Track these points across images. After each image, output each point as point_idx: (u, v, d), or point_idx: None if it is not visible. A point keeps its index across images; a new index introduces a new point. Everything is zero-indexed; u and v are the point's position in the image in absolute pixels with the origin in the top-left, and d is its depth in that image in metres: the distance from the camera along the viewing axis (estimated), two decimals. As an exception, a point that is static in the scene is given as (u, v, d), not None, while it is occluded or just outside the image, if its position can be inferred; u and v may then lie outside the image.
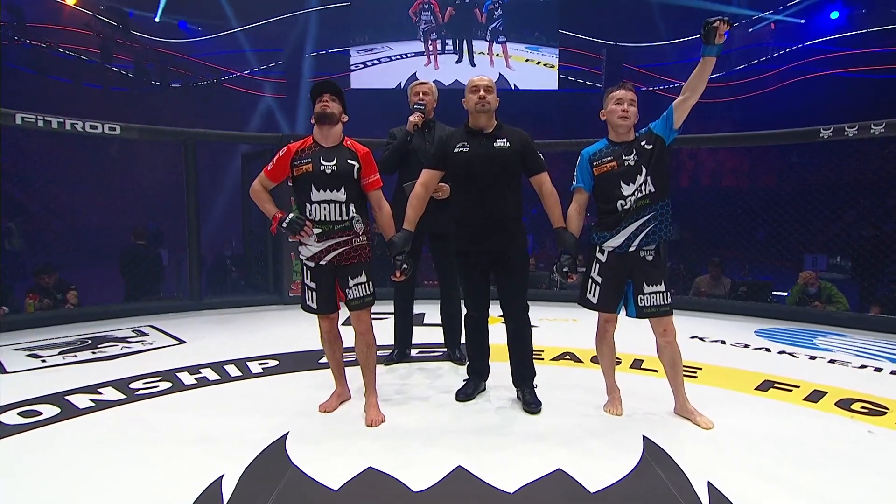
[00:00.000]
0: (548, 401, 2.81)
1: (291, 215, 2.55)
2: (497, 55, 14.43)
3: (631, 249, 2.53)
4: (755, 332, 4.33)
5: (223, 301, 5.42)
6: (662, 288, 2.56)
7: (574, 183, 2.65)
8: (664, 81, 14.60)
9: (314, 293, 2.62)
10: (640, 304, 2.57)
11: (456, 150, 2.68)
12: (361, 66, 14.78)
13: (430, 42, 14.50)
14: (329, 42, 15.17)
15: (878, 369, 3.39)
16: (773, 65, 14.33)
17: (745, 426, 2.52)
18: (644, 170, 2.49)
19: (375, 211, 2.66)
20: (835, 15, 13.82)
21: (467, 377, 2.95)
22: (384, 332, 4.17)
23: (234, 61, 15.13)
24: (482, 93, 2.65)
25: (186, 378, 3.14)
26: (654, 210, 2.51)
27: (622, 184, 2.50)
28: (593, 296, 2.64)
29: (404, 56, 14.73)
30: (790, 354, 3.70)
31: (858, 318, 4.63)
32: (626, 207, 2.49)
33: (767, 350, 3.80)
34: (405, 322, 3.63)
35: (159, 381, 3.08)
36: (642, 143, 2.52)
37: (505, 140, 2.67)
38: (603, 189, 2.56)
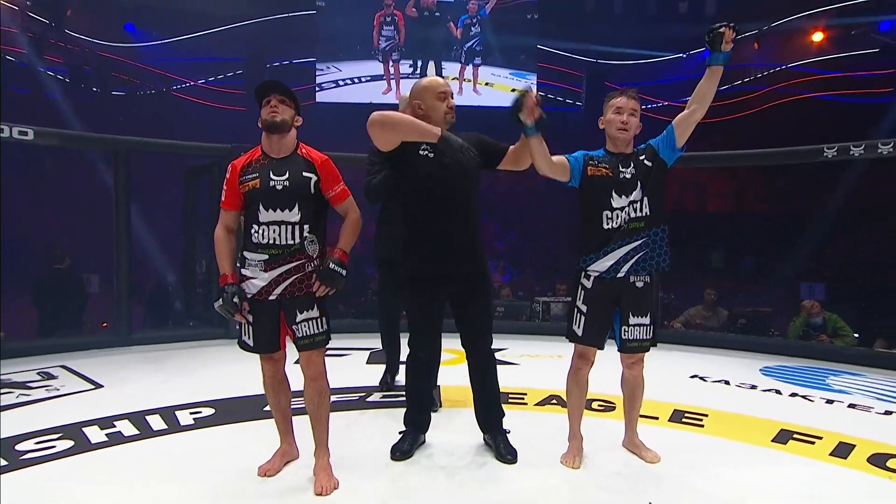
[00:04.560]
0: (533, 455, 2.54)
1: (232, 290, 2.24)
2: (467, 80, 13.12)
3: (619, 276, 2.35)
4: (760, 370, 4.13)
5: (158, 335, 4.97)
6: (648, 321, 2.42)
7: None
8: (646, 101, 14.82)
9: (251, 327, 2.30)
10: (623, 336, 2.43)
11: (422, 153, 2.40)
12: (318, 88, 13.40)
13: (390, 63, 12.74)
14: (293, 52, 14.85)
15: (903, 415, 3.21)
16: (757, 86, 14.65)
17: (764, 488, 2.28)
18: (640, 186, 2.35)
19: (344, 219, 2.36)
20: (818, 37, 14.32)
21: (404, 429, 2.64)
22: (346, 370, 3.85)
23: (187, 69, 14.65)
24: (452, 101, 2.46)
25: (94, 434, 2.72)
26: (647, 235, 2.35)
27: (614, 194, 2.34)
28: (578, 327, 2.44)
29: (358, 80, 13.12)
30: (804, 397, 3.49)
31: (872, 354, 4.51)
32: (612, 225, 2.33)
33: (778, 392, 3.60)
34: (394, 348, 3.46)
35: (58, 439, 2.65)
36: (641, 158, 2.40)
37: (469, 147, 2.44)
38: (591, 194, 2.38)
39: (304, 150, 2.31)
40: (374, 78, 12.95)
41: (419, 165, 2.40)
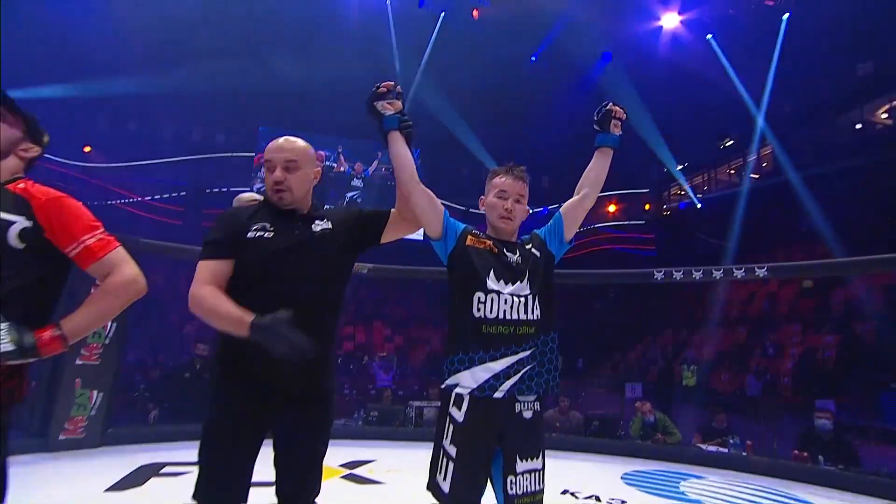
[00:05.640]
0: None
1: None
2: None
3: (497, 396, 1.32)
4: (622, 477, 3.20)
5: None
6: (539, 464, 1.34)
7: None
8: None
9: None
10: (510, 489, 1.29)
11: (253, 235, 1.35)
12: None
13: None
14: (232, 182, 13.87)
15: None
16: (579, 237, 16.14)
17: None
18: (527, 278, 1.38)
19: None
20: (612, 208, 16.55)
21: None
22: (178, 497, 2.31)
23: (137, 188, 13.04)
24: (280, 174, 1.37)
25: None
26: (536, 345, 1.36)
27: (492, 273, 1.36)
28: (445, 479, 1.30)
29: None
30: (671, 513, 2.58)
31: (705, 455, 3.80)
32: (485, 312, 1.34)
33: (646, 507, 2.66)
34: None
35: None
36: (529, 248, 1.46)
37: (326, 221, 1.41)
38: (464, 270, 1.39)
39: (22, 185, 1.14)
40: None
41: (248, 252, 1.33)
